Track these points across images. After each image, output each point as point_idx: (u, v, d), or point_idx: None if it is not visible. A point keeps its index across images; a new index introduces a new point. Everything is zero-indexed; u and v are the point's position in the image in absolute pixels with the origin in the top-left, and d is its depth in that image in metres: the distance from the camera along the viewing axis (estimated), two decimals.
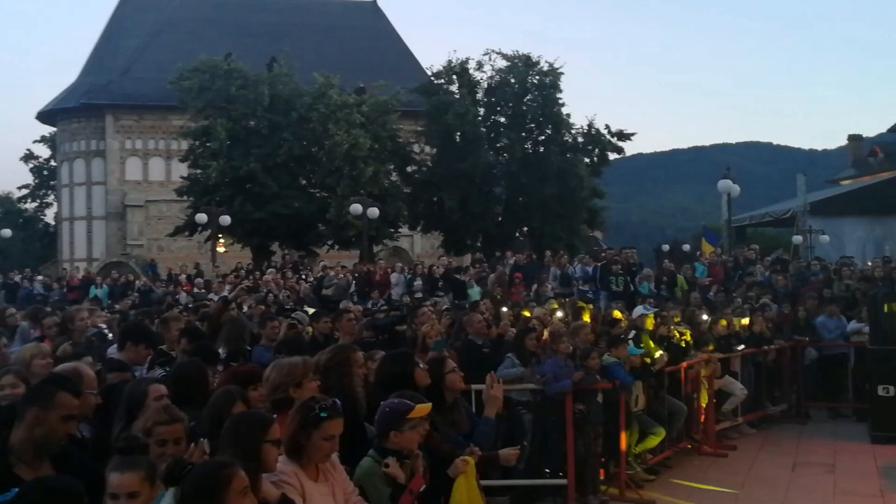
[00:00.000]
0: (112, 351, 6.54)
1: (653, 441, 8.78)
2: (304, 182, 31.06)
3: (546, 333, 8.45)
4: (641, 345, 9.08)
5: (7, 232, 33.85)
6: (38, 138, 49.98)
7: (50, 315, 9.36)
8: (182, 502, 2.85)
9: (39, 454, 3.43)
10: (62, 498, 2.82)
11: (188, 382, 4.77)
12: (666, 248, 30.99)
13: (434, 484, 4.22)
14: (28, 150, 50.46)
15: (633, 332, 9.46)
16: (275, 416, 3.75)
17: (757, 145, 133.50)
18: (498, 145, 30.85)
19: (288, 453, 3.72)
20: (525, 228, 30.86)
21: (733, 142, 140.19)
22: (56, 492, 2.86)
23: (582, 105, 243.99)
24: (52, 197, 48.11)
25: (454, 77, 30.74)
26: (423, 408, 4.20)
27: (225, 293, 13.94)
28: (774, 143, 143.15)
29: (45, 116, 44.20)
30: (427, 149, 32.45)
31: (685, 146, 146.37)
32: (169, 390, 4.47)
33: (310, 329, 9.09)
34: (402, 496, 3.97)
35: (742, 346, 11.44)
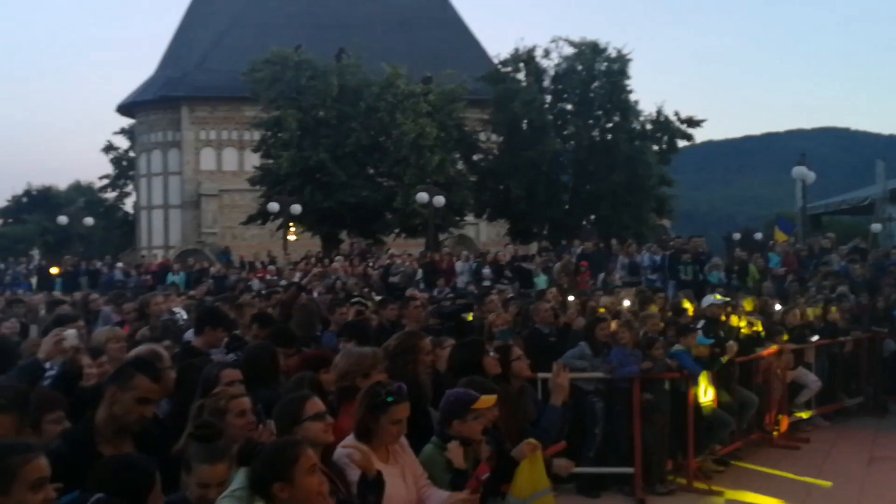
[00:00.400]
0: (189, 335, 6.76)
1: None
2: (371, 171, 31.37)
3: (614, 324, 8.41)
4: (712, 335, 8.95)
5: (89, 220, 34.99)
6: (118, 130, 51.58)
7: (129, 300, 9.75)
8: (254, 479, 2.97)
9: (118, 432, 3.57)
10: (134, 474, 2.94)
11: (259, 365, 4.93)
12: (737, 236, 30.20)
13: (499, 467, 4.26)
14: (108, 141, 52.06)
15: (702, 322, 9.33)
16: (312, 394, 3.82)
17: (833, 131, 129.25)
18: (565, 133, 30.58)
19: (357, 436, 3.81)
20: (592, 217, 30.53)
21: (808, 127, 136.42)
22: (127, 469, 2.98)
23: (651, 91, 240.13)
24: (130, 186, 49.59)
25: (521, 65, 30.54)
26: (488, 399, 4.23)
27: (295, 280, 14.25)
28: (852, 128, 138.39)
29: (124, 109, 45.64)
30: (493, 137, 32.36)
31: (758, 132, 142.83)
32: (241, 372, 4.63)
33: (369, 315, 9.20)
34: (467, 482, 4.02)
35: (816, 337, 11.16)
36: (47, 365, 4.54)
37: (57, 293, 17.19)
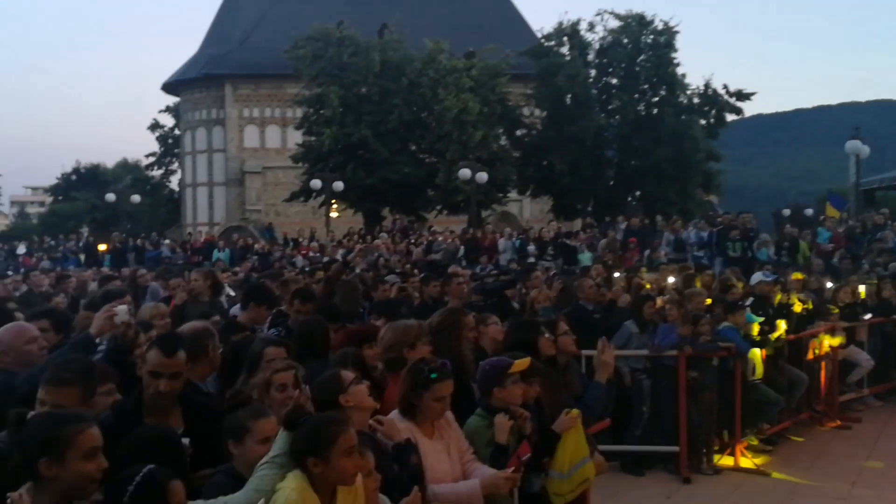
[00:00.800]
0: (235, 310, 6.84)
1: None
2: (413, 147, 31.33)
3: (660, 300, 8.29)
4: (761, 312, 8.79)
5: (136, 198, 35.57)
6: (164, 108, 52.15)
7: (175, 276, 9.89)
8: (294, 447, 3.01)
9: (156, 405, 3.65)
10: (160, 443, 3.10)
11: (311, 338, 5.00)
12: (787, 212, 29.59)
13: (540, 442, 4.24)
14: (154, 119, 52.70)
15: (750, 299, 9.16)
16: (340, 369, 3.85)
17: (889, 104, 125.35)
18: (610, 107, 30.16)
19: (402, 412, 3.82)
20: (637, 192, 30.16)
21: (863, 100, 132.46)
22: (153, 439, 3.15)
23: (699, 64, 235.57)
24: (176, 164, 50.25)
25: (565, 39, 30.13)
26: (522, 362, 4.25)
27: (338, 257, 14.33)
28: None
29: (169, 87, 46.16)
30: (537, 112, 32.05)
31: (809, 105, 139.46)
32: (293, 345, 4.68)
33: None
34: (508, 459, 4.01)
35: (869, 315, 10.90)
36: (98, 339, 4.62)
37: (105, 269, 17.54)
